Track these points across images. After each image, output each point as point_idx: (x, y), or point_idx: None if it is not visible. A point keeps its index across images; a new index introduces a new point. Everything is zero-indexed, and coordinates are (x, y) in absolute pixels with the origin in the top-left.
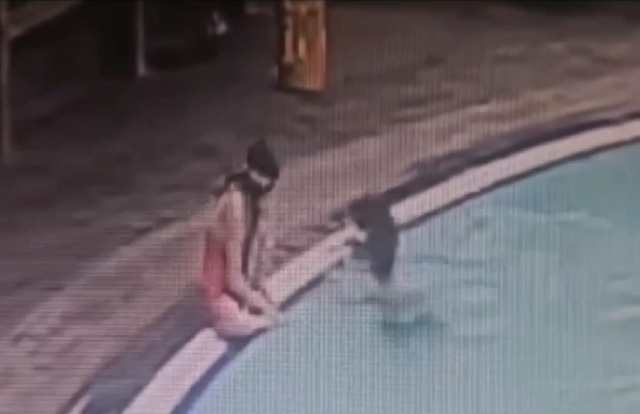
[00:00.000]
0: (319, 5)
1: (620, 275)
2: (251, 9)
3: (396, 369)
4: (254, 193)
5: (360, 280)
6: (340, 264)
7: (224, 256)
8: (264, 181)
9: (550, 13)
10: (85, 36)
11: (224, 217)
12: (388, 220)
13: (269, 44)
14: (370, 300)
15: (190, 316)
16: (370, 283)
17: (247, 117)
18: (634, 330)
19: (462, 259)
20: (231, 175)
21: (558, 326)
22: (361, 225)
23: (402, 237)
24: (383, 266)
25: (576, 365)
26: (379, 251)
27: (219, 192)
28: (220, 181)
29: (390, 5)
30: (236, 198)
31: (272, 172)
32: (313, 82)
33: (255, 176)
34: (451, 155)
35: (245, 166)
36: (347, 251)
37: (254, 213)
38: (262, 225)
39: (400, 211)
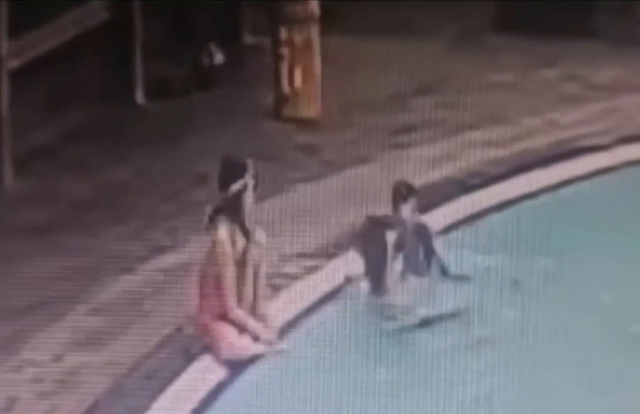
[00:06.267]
0: (314, 35)
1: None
2: (248, 40)
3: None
4: (240, 216)
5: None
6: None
7: (220, 284)
8: (239, 185)
9: (541, 40)
10: (84, 66)
11: (214, 252)
12: (380, 239)
13: (265, 74)
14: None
15: (190, 343)
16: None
17: (244, 146)
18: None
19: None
20: (212, 213)
21: (555, 353)
22: (359, 249)
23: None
24: (375, 284)
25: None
26: (371, 270)
27: (207, 229)
28: (207, 216)
29: (384, 34)
30: (222, 233)
31: (241, 169)
32: (309, 110)
33: (231, 190)
34: (444, 182)
35: (221, 194)
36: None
37: (245, 238)
38: (255, 250)
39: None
